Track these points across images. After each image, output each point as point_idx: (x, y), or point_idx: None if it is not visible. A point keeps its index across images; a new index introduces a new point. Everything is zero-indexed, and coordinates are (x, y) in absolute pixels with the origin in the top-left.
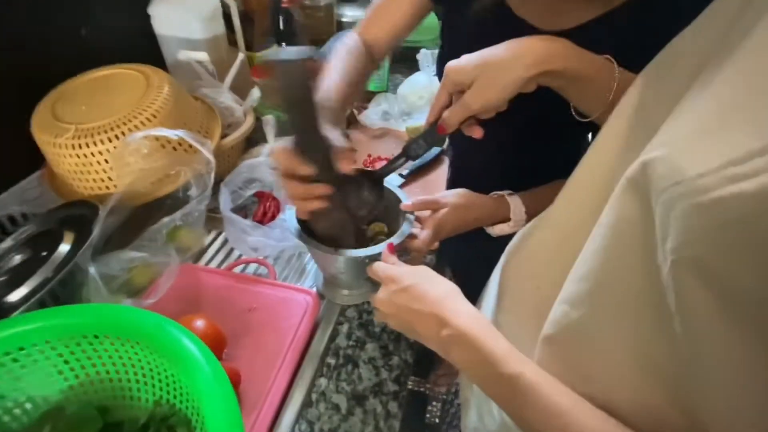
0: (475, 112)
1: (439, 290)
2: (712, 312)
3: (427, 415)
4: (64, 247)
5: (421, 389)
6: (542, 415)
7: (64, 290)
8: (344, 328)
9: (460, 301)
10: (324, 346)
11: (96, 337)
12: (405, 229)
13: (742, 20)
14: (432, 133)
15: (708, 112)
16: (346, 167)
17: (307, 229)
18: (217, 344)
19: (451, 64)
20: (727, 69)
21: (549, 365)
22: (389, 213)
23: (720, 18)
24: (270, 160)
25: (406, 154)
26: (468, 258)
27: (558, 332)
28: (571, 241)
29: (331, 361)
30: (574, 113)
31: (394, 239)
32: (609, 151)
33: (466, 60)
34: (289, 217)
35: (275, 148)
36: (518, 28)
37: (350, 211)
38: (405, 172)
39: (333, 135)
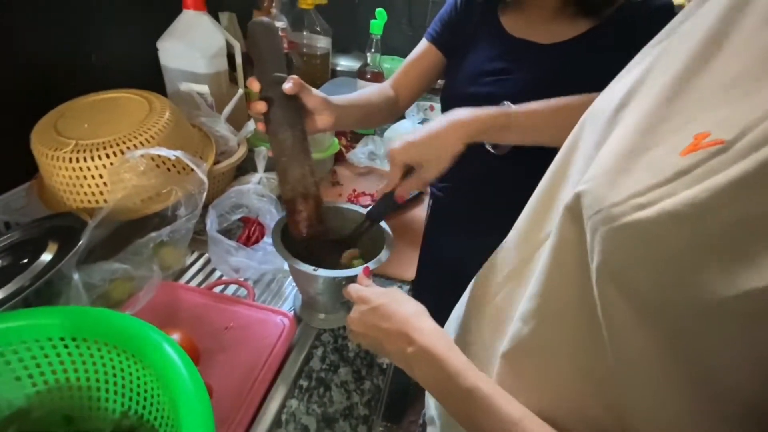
0: (430, 183)
1: (406, 310)
2: (626, 317)
3: None
4: (46, 257)
5: None
6: (495, 427)
7: (39, 299)
8: (319, 351)
9: (426, 320)
10: (298, 368)
11: (73, 339)
12: (383, 256)
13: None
14: (390, 199)
15: (621, 155)
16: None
17: (291, 249)
18: (191, 358)
19: (396, 148)
20: (635, 116)
21: (505, 380)
22: (367, 241)
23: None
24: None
25: (370, 218)
26: (443, 289)
27: (512, 348)
28: (529, 264)
29: (304, 383)
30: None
31: (371, 264)
32: (552, 183)
33: (409, 143)
34: (273, 236)
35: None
36: (517, 45)
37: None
38: None
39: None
